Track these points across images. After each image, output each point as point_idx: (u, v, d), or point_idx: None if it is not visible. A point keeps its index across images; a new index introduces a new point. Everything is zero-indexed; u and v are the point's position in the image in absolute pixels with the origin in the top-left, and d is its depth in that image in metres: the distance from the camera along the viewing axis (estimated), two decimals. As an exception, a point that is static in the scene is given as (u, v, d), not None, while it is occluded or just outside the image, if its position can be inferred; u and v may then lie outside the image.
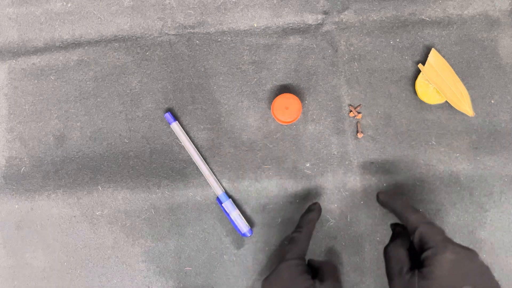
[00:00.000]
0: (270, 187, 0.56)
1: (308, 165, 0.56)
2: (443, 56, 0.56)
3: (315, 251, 0.55)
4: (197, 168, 0.57)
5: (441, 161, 0.55)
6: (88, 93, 0.58)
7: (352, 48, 0.57)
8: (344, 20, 0.58)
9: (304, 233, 0.48)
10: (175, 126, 0.56)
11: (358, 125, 0.56)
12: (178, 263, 0.56)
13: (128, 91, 0.58)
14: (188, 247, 0.56)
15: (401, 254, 0.44)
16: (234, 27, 0.58)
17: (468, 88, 0.56)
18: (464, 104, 0.55)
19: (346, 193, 0.55)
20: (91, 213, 0.57)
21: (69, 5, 0.59)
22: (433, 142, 0.56)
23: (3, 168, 0.58)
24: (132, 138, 0.57)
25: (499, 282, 0.54)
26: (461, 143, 0.56)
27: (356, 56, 0.57)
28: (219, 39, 0.58)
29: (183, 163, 0.57)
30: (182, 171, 0.57)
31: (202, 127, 0.57)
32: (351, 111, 0.56)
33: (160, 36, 0.58)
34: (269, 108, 0.57)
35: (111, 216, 0.57)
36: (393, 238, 0.48)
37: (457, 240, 0.54)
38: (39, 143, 0.58)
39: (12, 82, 0.59)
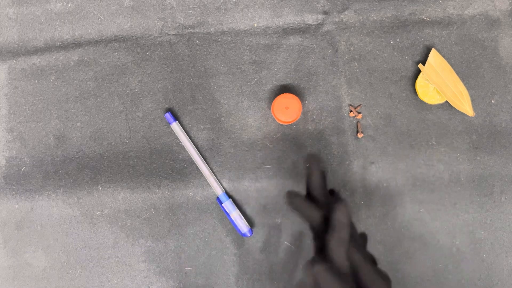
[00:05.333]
0: (270, 187, 0.56)
1: (308, 165, 0.56)
2: (443, 56, 0.56)
3: (315, 251, 0.55)
4: (197, 168, 0.57)
5: (441, 161, 0.55)
6: (88, 93, 0.58)
7: (352, 48, 0.57)
8: (344, 20, 0.58)
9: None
10: (175, 126, 0.56)
11: (358, 125, 0.56)
12: (178, 263, 0.56)
13: (128, 91, 0.58)
14: (188, 247, 0.56)
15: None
16: (234, 27, 0.58)
17: (468, 88, 0.56)
18: (464, 104, 0.55)
19: (346, 193, 0.55)
20: (91, 213, 0.57)
21: (69, 5, 0.59)
22: (433, 142, 0.56)
23: (3, 168, 0.58)
24: (132, 138, 0.57)
25: (500, 282, 0.54)
26: (461, 143, 0.56)
27: (356, 56, 0.57)
28: (219, 39, 0.58)
29: (183, 163, 0.57)
30: (182, 171, 0.57)
31: (202, 127, 0.57)
32: (351, 111, 0.56)
33: (160, 36, 0.58)
34: (269, 108, 0.57)
35: (111, 216, 0.57)
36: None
37: (458, 240, 0.54)
38: (39, 143, 0.58)
39: (12, 82, 0.59)
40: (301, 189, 0.56)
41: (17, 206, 0.57)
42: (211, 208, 0.56)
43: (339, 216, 0.43)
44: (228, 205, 0.55)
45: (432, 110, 0.56)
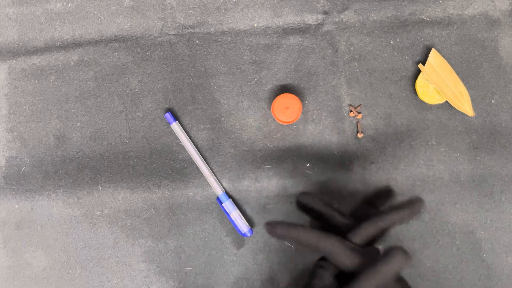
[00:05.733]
0: (270, 187, 0.56)
1: (308, 165, 0.56)
2: (443, 56, 0.56)
3: (315, 251, 0.55)
4: (197, 168, 0.57)
5: (441, 161, 0.55)
6: (88, 93, 0.58)
7: (352, 48, 0.57)
8: (344, 20, 0.58)
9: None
10: (175, 126, 0.56)
11: (358, 125, 0.56)
12: (178, 263, 0.56)
13: (128, 91, 0.58)
14: (188, 247, 0.56)
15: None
16: (234, 27, 0.58)
17: (468, 88, 0.56)
18: (464, 104, 0.55)
19: (346, 193, 0.55)
20: (91, 213, 0.57)
21: (69, 5, 0.59)
22: (433, 142, 0.56)
23: (3, 168, 0.58)
24: (132, 138, 0.57)
25: (500, 282, 0.54)
26: (461, 143, 0.56)
27: (356, 56, 0.57)
28: (219, 39, 0.58)
29: (183, 163, 0.57)
30: (182, 171, 0.57)
31: (202, 127, 0.57)
32: (351, 111, 0.56)
33: (160, 36, 0.58)
34: (269, 108, 0.57)
35: (111, 216, 0.57)
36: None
37: (458, 240, 0.54)
38: (39, 143, 0.58)
39: (12, 82, 0.59)
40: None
41: (17, 206, 0.57)
42: (211, 208, 0.56)
43: (398, 256, 0.33)
44: (228, 205, 0.55)
45: (432, 110, 0.56)
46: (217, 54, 0.58)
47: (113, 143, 0.58)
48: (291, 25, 0.58)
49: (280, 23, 0.58)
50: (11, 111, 0.59)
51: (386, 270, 0.33)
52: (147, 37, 0.59)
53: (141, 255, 0.56)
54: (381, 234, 0.38)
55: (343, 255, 0.36)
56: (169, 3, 0.59)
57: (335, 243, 0.36)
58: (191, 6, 0.59)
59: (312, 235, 0.37)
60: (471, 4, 0.57)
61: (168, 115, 0.56)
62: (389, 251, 0.35)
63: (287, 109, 0.53)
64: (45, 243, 0.57)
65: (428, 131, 0.56)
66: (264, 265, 0.55)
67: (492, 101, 0.56)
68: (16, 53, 0.59)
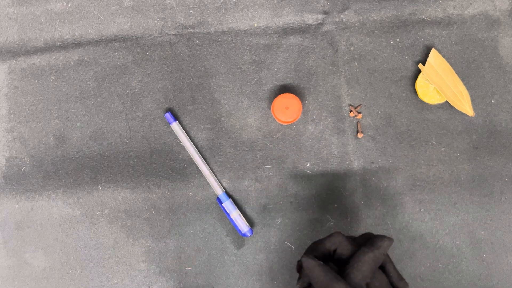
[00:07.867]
0: (270, 187, 0.56)
1: (308, 165, 0.56)
2: (443, 56, 0.56)
3: (315, 251, 0.55)
4: (197, 168, 0.57)
5: (441, 161, 0.55)
6: (88, 93, 0.58)
7: (352, 48, 0.57)
8: (344, 20, 0.58)
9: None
10: (175, 126, 0.56)
11: (358, 125, 0.56)
12: (178, 263, 0.56)
13: (128, 91, 0.58)
14: (188, 247, 0.56)
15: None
16: (234, 27, 0.58)
17: (468, 88, 0.56)
18: (464, 104, 0.55)
19: (346, 193, 0.55)
20: (91, 213, 0.57)
21: (69, 5, 0.59)
22: (433, 142, 0.56)
23: (3, 168, 0.58)
24: (132, 138, 0.57)
25: (500, 282, 0.54)
26: (461, 143, 0.56)
27: (356, 56, 0.57)
28: (219, 39, 0.58)
29: (183, 163, 0.57)
30: (182, 171, 0.57)
31: (202, 127, 0.57)
32: (351, 111, 0.56)
33: (160, 36, 0.58)
34: (269, 108, 0.57)
35: (111, 216, 0.57)
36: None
37: (458, 240, 0.54)
38: (39, 143, 0.58)
39: (12, 82, 0.59)
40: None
41: (17, 206, 0.57)
42: (211, 208, 0.56)
43: (384, 240, 0.40)
44: (228, 205, 0.55)
45: (432, 110, 0.56)
46: (217, 54, 0.58)
47: (113, 143, 0.58)
48: (291, 25, 0.58)
49: (280, 23, 0.58)
50: (11, 111, 0.59)
51: (374, 249, 0.40)
52: (147, 37, 0.59)
53: (141, 255, 0.56)
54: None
55: (344, 245, 0.42)
56: (169, 3, 0.59)
57: (340, 238, 0.42)
58: (191, 6, 0.59)
59: (323, 241, 0.42)
60: (471, 4, 0.57)
61: (168, 115, 0.56)
62: (376, 237, 0.42)
63: (287, 109, 0.53)
64: (45, 243, 0.57)
65: (428, 131, 0.56)
66: (264, 265, 0.55)
67: (492, 101, 0.56)
68: (16, 53, 0.59)
